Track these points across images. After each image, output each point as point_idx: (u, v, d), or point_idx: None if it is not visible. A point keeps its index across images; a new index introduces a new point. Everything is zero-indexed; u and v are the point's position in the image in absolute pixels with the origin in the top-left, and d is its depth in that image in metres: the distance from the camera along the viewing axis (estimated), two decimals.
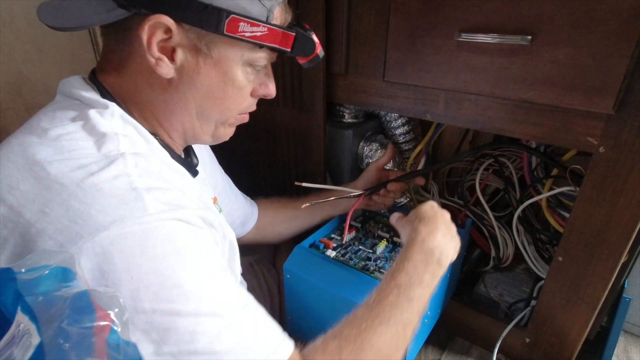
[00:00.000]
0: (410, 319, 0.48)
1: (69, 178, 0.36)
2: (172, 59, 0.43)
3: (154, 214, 0.36)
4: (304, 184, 0.73)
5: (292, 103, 0.83)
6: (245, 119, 0.53)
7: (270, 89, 0.52)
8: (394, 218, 0.62)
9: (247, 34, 0.42)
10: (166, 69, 0.42)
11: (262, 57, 0.47)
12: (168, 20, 0.40)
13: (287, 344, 0.42)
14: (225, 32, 0.41)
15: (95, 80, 0.45)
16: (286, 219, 0.81)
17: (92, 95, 0.43)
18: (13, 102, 0.86)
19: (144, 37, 0.40)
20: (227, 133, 0.53)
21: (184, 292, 0.36)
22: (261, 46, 0.45)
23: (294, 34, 0.46)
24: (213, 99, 0.47)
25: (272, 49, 0.46)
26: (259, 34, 0.43)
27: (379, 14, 0.66)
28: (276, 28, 0.44)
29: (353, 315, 0.47)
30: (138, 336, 0.35)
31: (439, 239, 0.53)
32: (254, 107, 0.53)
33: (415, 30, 0.62)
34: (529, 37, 0.52)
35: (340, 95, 0.77)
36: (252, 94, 0.50)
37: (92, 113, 0.41)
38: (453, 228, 0.57)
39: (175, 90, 0.45)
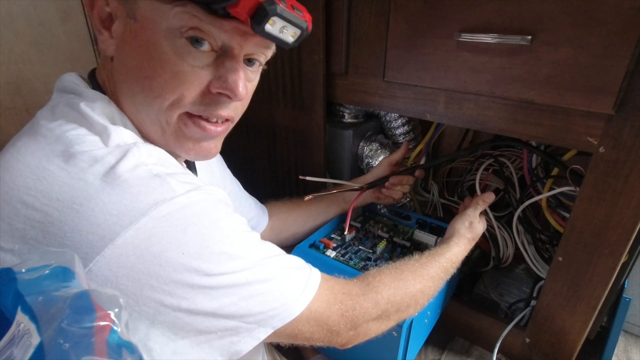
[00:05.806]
0: (439, 276, 0.58)
1: (91, 174, 0.35)
2: (111, 31, 0.39)
3: (183, 194, 0.37)
4: (308, 178, 0.73)
5: (292, 103, 0.83)
6: (210, 129, 0.43)
7: (229, 82, 0.40)
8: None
9: None
10: (105, 44, 0.39)
11: (186, 20, 0.36)
12: None
13: (314, 274, 0.46)
14: None
15: (91, 76, 0.44)
16: (300, 219, 0.80)
17: (84, 89, 0.42)
18: (13, 102, 0.86)
19: (87, 9, 0.38)
20: (186, 144, 0.43)
21: (229, 256, 0.38)
22: None
23: None
24: (142, 78, 0.39)
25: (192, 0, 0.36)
26: None
27: (379, 14, 0.66)
28: None
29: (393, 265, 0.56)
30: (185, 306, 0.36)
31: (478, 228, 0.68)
32: (214, 107, 0.42)
33: (415, 30, 0.62)
34: (529, 37, 0.52)
35: (340, 95, 0.77)
36: (210, 88, 0.41)
37: (85, 109, 0.39)
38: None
39: (115, 70, 0.40)
